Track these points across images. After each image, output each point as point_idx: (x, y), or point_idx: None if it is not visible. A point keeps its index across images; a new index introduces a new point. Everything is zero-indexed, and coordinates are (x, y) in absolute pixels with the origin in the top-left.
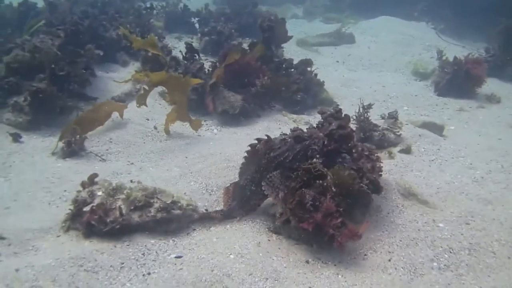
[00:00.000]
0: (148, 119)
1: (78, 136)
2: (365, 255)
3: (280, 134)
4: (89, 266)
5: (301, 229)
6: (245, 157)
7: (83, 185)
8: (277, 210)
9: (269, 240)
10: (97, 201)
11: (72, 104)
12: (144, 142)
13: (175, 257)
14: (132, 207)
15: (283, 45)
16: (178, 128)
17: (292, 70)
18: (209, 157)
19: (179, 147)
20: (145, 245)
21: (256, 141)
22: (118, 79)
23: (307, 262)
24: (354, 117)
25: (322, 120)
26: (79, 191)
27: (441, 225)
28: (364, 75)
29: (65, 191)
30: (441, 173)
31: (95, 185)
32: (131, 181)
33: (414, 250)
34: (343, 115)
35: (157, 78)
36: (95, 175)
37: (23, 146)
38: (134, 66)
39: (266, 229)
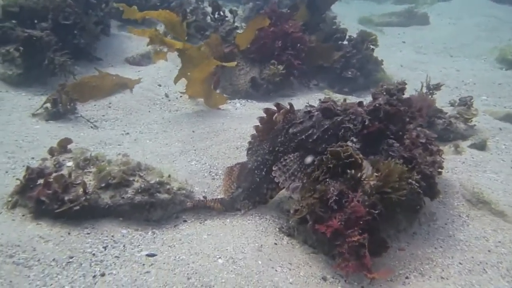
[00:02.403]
0: (160, 85)
1: (65, 96)
2: (407, 277)
3: (306, 105)
4: (22, 258)
5: (319, 233)
6: (257, 129)
7: (51, 152)
8: (291, 205)
9: (276, 243)
10: (63, 173)
11: (68, 61)
12: (149, 111)
13: (147, 255)
14: (102, 185)
15: (339, 20)
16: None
17: (345, 42)
18: (221, 133)
19: (189, 119)
20: (112, 236)
21: (274, 109)
22: (139, 39)
23: (324, 279)
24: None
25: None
26: (44, 159)
27: None
28: (435, 59)
29: (32, 158)
30: None
31: (67, 153)
32: (118, 154)
33: (479, 279)
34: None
35: (172, 45)
36: (68, 140)
37: (3, 102)
38: (161, 28)
39: (277, 229)
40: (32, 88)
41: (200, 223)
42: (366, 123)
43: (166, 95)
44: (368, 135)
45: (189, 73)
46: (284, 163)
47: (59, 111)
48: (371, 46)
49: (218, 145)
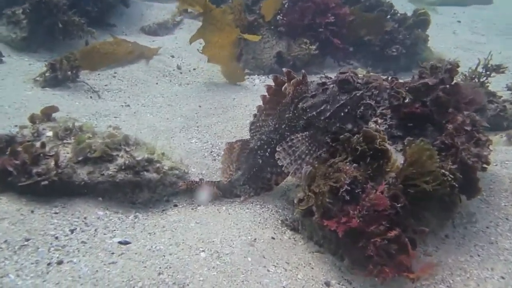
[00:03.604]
0: (173, 56)
1: (66, 61)
2: None
3: (321, 76)
4: None
5: (327, 229)
6: (263, 100)
7: (32, 119)
8: (296, 193)
9: (273, 238)
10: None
11: (80, 24)
12: (157, 83)
13: (119, 242)
14: (80, 158)
15: None
16: (212, 69)
17: (388, 17)
18: (230, 109)
19: (198, 93)
20: (85, 218)
21: (285, 77)
22: (159, 8)
23: (327, 284)
24: (462, 78)
25: None
26: (23, 127)
27: None
28: (495, 39)
29: (15, 126)
30: None
31: (50, 122)
32: (109, 126)
33: None
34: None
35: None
36: (53, 108)
37: (2, 66)
38: None
39: (279, 222)
40: (36, 54)
41: (192, 209)
42: (406, 100)
43: (178, 67)
44: (405, 116)
45: (208, 35)
46: (290, 143)
47: (57, 78)
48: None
49: (225, 122)
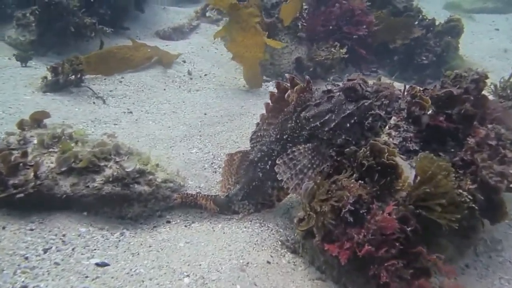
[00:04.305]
0: (185, 61)
1: (68, 65)
2: None
3: (327, 83)
4: None
5: (328, 254)
6: (266, 108)
7: (21, 125)
8: (297, 212)
9: (269, 262)
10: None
11: (92, 25)
12: (165, 89)
13: (97, 264)
14: (63, 168)
15: (417, 2)
16: (224, 75)
17: (416, 23)
18: (236, 118)
19: (205, 100)
20: (63, 235)
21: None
22: (176, 12)
23: None
24: (492, 88)
25: None
26: (9, 134)
27: None
28: None
29: (5, 132)
30: None
31: (40, 128)
32: (104, 134)
33: None
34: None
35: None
36: (44, 114)
37: (4, 69)
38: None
39: (279, 243)
40: (45, 58)
41: (186, 226)
42: (430, 112)
43: (189, 73)
44: (424, 129)
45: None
46: (291, 156)
47: (58, 82)
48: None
49: (229, 131)
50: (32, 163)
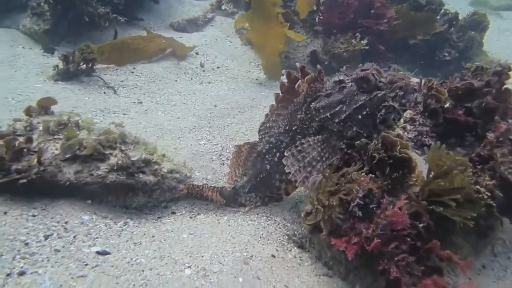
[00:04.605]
0: (198, 53)
1: (79, 54)
2: None
3: (339, 73)
4: None
5: (335, 249)
6: (276, 98)
7: (28, 112)
8: (305, 206)
9: (273, 256)
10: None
11: (105, 14)
12: (176, 80)
13: (97, 252)
14: (68, 156)
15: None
16: (237, 68)
17: (438, 17)
18: (247, 110)
19: (217, 92)
20: (66, 222)
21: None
22: (192, 5)
23: None
24: None
25: None
26: (16, 120)
27: None
28: None
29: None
30: None
31: (47, 115)
32: (111, 123)
33: None
34: None
35: None
36: (51, 101)
37: (17, 58)
38: None
39: (286, 237)
40: (59, 47)
41: (191, 217)
42: (447, 105)
43: (201, 65)
44: (442, 123)
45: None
46: (300, 147)
47: (69, 71)
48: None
49: (239, 124)
50: (37, 149)
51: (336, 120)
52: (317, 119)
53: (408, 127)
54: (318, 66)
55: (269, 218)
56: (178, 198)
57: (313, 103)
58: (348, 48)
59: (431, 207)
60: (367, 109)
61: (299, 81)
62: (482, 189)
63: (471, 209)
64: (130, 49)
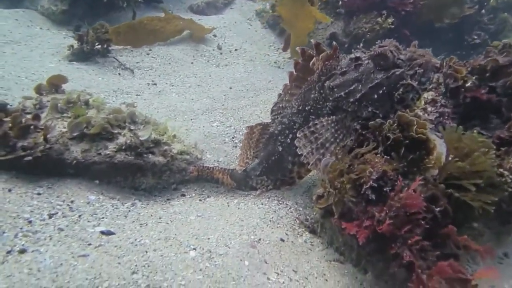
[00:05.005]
0: (215, 36)
1: (95, 34)
2: None
3: (356, 50)
4: None
5: (347, 234)
6: (290, 77)
7: (38, 90)
8: (317, 189)
9: (282, 240)
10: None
11: None
12: (192, 62)
13: (102, 232)
14: (75, 134)
15: None
16: (255, 50)
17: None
18: (263, 92)
19: (233, 74)
20: (72, 202)
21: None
22: None
23: None
24: None
25: None
26: (26, 98)
27: None
28: None
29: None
30: None
31: (57, 94)
32: (123, 103)
33: None
34: None
35: None
36: (62, 79)
37: (34, 38)
38: None
39: (297, 221)
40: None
41: (200, 200)
42: (468, 84)
43: (219, 47)
44: (464, 103)
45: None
46: (313, 128)
47: (83, 51)
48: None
49: (254, 106)
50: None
51: (351, 100)
52: (331, 99)
53: (429, 109)
54: (334, 43)
55: (280, 202)
56: (189, 180)
57: (327, 82)
58: (374, 27)
59: (449, 191)
60: (384, 88)
61: (314, 58)
62: (506, 173)
63: (493, 194)
64: (147, 30)
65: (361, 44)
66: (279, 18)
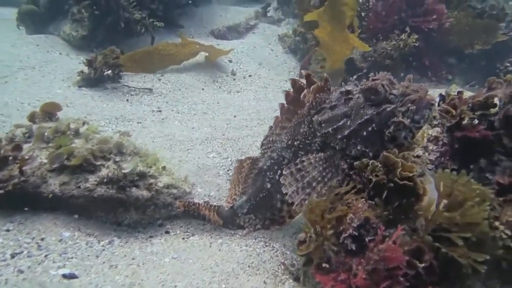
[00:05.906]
0: (231, 61)
1: (103, 59)
2: None
3: (349, 82)
4: None
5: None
6: (281, 109)
7: (32, 118)
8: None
9: None
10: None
11: (142, 19)
12: (203, 88)
13: (63, 275)
14: (55, 165)
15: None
16: (270, 77)
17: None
18: (267, 122)
19: (241, 102)
20: (42, 239)
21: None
22: (237, 12)
23: None
24: None
25: None
26: (18, 126)
27: None
28: None
29: None
30: None
31: (51, 122)
32: (116, 131)
33: None
34: None
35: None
36: (55, 106)
37: (49, 63)
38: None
39: (282, 267)
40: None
41: (184, 238)
42: (464, 122)
43: (233, 73)
44: (464, 142)
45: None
46: (299, 166)
47: (90, 77)
48: None
49: (255, 136)
50: (26, 158)
51: (339, 136)
52: (319, 134)
53: (431, 147)
54: (324, 74)
55: (267, 244)
56: (176, 216)
57: (315, 116)
58: (397, 45)
59: (436, 245)
60: (374, 124)
61: (305, 90)
62: (502, 227)
63: (485, 250)
64: (161, 55)
65: (355, 76)
66: (300, 43)
